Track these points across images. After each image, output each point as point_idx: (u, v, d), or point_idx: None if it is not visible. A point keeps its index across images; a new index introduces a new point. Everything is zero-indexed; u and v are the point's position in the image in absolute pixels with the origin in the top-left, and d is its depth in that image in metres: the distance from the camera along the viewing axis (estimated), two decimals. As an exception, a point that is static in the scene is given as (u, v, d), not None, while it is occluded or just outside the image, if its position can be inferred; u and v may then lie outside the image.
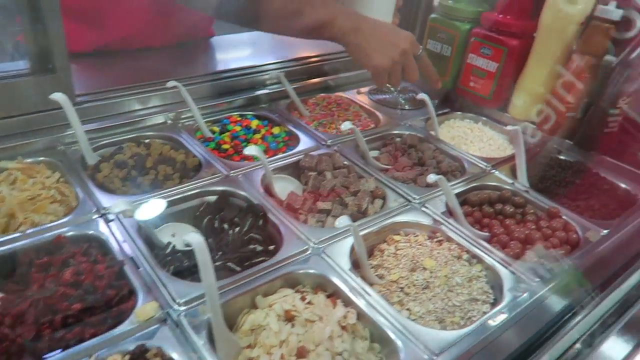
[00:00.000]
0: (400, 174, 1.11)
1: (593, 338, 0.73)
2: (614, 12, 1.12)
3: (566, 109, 1.24)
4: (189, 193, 0.96)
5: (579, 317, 0.74)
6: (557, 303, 0.76)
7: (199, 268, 0.62)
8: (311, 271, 0.80)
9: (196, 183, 0.98)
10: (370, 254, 0.91)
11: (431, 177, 0.92)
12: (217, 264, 0.80)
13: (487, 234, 0.98)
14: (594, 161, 1.20)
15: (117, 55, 1.37)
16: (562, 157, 1.23)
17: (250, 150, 0.92)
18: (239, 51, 1.58)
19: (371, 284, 0.83)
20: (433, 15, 1.46)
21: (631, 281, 0.81)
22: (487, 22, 1.32)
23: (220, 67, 1.43)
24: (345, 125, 1.06)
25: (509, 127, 1.06)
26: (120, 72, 1.28)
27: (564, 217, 0.99)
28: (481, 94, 1.38)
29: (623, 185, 1.14)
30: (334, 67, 1.56)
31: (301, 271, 0.80)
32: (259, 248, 0.83)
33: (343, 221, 0.74)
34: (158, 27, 1.39)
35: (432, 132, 1.31)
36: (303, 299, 0.74)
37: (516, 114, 1.36)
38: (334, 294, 0.78)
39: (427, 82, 1.31)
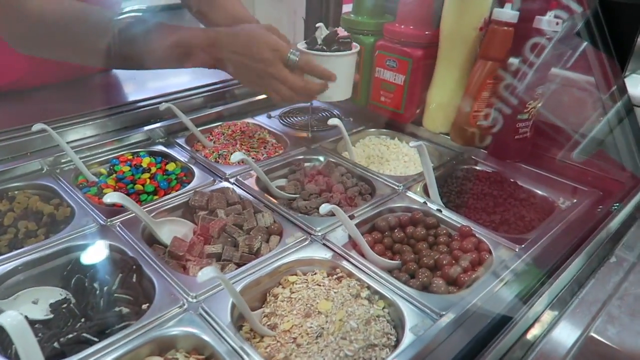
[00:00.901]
0: (304, 204, 1.02)
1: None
2: (510, 14, 1.08)
3: (476, 118, 1.18)
4: (55, 250, 0.83)
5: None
6: (463, 338, 0.68)
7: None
8: (183, 332, 0.69)
9: (64, 238, 0.86)
10: (265, 299, 0.81)
11: (324, 208, 0.82)
12: (70, 336, 0.68)
13: (397, 262, 0.90)
14: (511, 170, 1.15)
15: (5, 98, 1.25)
16: (478, 168, 1.17)
17: (111, 197, 0.80)
18: (136, 83, 1.47)
19: (262, 337, 0.73)
20: (336, 30, 1.39)
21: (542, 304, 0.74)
22: (389, 34, 1.26)
23: (113, 102, 1.31)
24: (235, 157, 0.97)
25: (412, 143, 0.99)
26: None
27: (477, 235, 0.92)
28: (393, 108, 1.31)
29: (541, 193, 1.09)
30: (241, 93, 1.47)
31: (172, 333, 0.69)
32: (125, 310, 0.71)
33: (207, 273, 0.63)
34: (51, 65, 1.27)
35: (345, 154, 1.23)
36: (168, 369, 0.63)
37: (430, 127, 1.30)
38: (210, 357, 0.67)
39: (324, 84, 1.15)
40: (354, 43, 1.16)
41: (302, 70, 1.07)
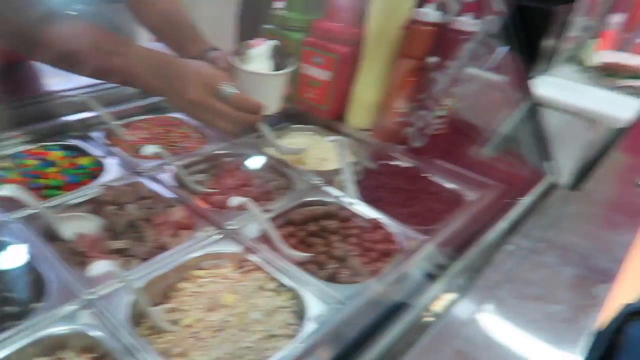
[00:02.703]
0: (221, 198, 1.01)
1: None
2: (431, 15, 1.11)
3: (396, 115, 1.22)
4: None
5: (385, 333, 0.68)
6: (363, 324, 0.70)
7: None
8: (73, 330, 0.66)
9: (-45, 235, 0.81)
10: (170, 294, 0.80)
11: (234, 200, 0.82)
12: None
13: (307, 254, 0.90)
14: (426, 165, 1.19)
15: None
16: (394, 164, 1.20)
17: (5, 190, 0.76)
18: (53, 75, 1.40)
19: (163, 333, 0.72)
20: (266, 26, 1.39)
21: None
22: (317, 31, 1.27)
23: (26, 93, 1.25)
24: (149, 150, 0.94)
25: (331, 138, 1.00)
26: None
27: (387, 227, 0.95)
28: (318, 105, 1.33)
29: (451, 187, 1.13)
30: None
31: (62, 332, 0.66)
32: (9, 309, 0.68)
33: (99, 266, 0.62)
34: None
35: (268, 150, 1.23)
36: (55, 369, 0.61)
37: (354, 123, 1.33)
38: (103, 356, 0.65)
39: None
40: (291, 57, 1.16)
41: (234, 106, 1.00)
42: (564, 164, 1.12)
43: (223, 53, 1.13)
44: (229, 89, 0.99)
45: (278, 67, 1.11)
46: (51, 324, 0.66)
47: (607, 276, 0.79)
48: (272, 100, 1.17)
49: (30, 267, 0.76)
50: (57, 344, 0.65)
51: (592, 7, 1.46)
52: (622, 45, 1.58)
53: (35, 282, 0.75)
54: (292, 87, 1.20)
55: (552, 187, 1.10)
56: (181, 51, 1.20)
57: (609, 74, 1.29)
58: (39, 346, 0.64)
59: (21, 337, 0.64)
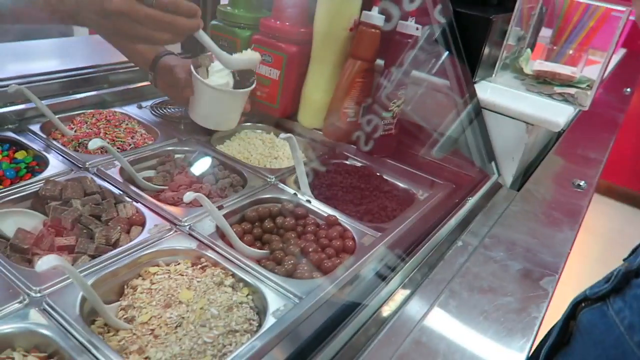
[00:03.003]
0: (172, 195, 0.98)
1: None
2: (376, 17, 1.14)
3: (345, 115, 1.24)
4: None
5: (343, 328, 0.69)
6: (321, 318, 0.70)
7: None
8: (21, 329, 0.62)
9: None
10: (123, 292, 0.77)
11: (188, 196, 0.80)
12: None
13: (265, 251, 0.90)
14: (377, 164, 1.21)
15: None
16: (347, 163, 1.22)
17: None
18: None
19: (117, 330, 0.69)
20: (213, 22, 1.37)
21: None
22: (265, 29, 1.27)
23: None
24: (94, 143, 0.90)
25: (281, 135, 1.00)
26: None
27: (343, 224, 0.96)
28: (268, 103, 1.32)
29: (403, 186, 1.17)
30: (111, 80, 1.38)
31: (8, 331, 0.62)
32: (-51, 309, 0.63)
33: (47, 261, 0.58)
34: None
35: (218, 146, 1.21)
36: (0, 370, 0.57)
37: (304, 122, 1.33)
38: (54, 354, 0.62)
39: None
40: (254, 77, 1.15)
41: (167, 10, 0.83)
42: (506, 165, 1.18)
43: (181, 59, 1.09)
44: None
45: (238, 83, 1.11)
46: (-3, 324, 0.62)
47: (552, 269, 0.85)
48: (232, 115, 1.17)
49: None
50: (4, 343, 0.61)
51: (524, 20, 1.56)
52: (552, 57, 1.70)
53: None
54: (249, 104, 1.20)
55: (496, 187, 1.16)
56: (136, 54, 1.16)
57: (544, 82, 1.38)
58: (-17, 347, 0.60)
59: (-38, 339, 0.59)
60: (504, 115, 1.17)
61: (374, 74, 1.23)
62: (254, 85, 1.15)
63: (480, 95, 1.20)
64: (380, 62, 1.21)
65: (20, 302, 0.66)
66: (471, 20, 1.24)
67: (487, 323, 0.72)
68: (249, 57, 1.09)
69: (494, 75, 1.36)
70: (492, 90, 1.26)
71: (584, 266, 2.66)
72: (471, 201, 1.04)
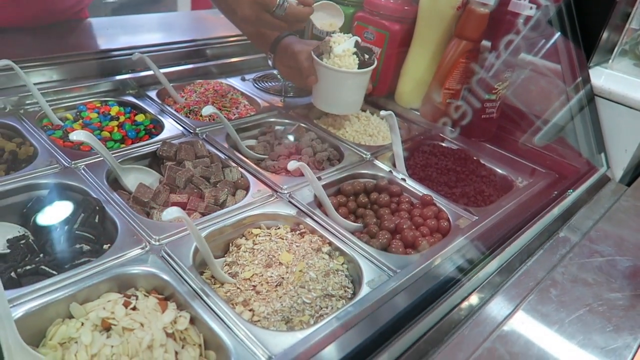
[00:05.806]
0: (273, 164, 1.03)
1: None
2: (487, -4, 1.10)
3: (446, 96, 1.22)
4: (15, 186, 0.82)
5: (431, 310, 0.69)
6: (415, 293, 0.71)
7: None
8: (144, 271, 0.69)
9: (25, 175, 0.84)
10: (227, 249, 0.82)
11: (292, 164, 0.84)
12: (28, 268, 0.67)
13: (359, 224, 0.92)
14: (475, 148, 1.18)
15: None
16: (444, 145, 1.20)
17: (78, 135, 0.79)
18: (111, 33, 1.43)
19: (222, 283, 0.75)
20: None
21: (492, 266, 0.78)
22: (369, 6, 1.27)
23: (85, 49, 1.28)
24: (207, 110, 0.96)
25: (382, 113, 1.01)
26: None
27: (437, 204, 0.95)
28: (367, 81, 1.33)
29: (501, 172, 1.13)
30: (217, 52, 1.45)
31: (133, 272, 0.69)
32: (86, 247, 0.71)
33: (172, 212, 0.64)
34: (21, 6, 1.23)
35: (316, 120, 1.24)
36: (127, 304, 0.64)
37: (402, 102, 1.33)
38: (170, 297, 0.68)
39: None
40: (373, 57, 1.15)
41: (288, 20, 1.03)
42: (617, 157, 1.11)
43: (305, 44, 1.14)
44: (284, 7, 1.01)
45: (361, 63, 1.11)
46: (124, 265, 0.69)
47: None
48: (359, 97, 1.17)
49: (101, 211, 0.78)
50: (128, 283, 0.68)
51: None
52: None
53: (104, 225, 0.78)
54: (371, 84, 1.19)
55: (604, 180, 1.09)
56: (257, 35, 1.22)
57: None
58: (111, 282, 0.67)
59: (97, 274, 0.67)
60: (620, 104, 1.10)
61: (479, 54, 1.19)
62: (375, 64, 1.15)
63: (595, 82, 1.13)
64: (486, 42, 1.17)
65: (142, 248, 0.73)
66: (591, 1, 1.16)
67: (590, 316, 0.69)
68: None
69: (610, 61, 1.27)
70: (608, 77, 1.17)
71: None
72: (576, 192, 0.99)
